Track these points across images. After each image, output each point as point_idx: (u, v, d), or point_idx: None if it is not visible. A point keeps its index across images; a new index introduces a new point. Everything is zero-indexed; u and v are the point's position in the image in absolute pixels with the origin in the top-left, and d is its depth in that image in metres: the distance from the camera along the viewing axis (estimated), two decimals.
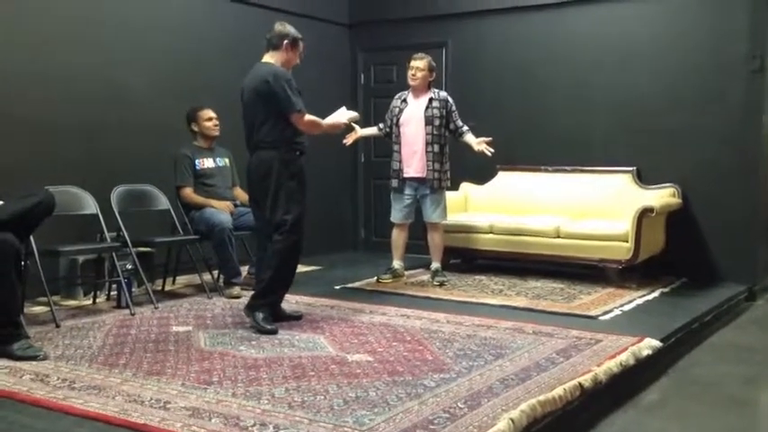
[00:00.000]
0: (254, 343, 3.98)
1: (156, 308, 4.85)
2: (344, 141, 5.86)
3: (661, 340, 4.07)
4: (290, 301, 5.04)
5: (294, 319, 4.54)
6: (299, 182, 4.37)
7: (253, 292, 4.46)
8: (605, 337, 4.09)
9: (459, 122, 5.71)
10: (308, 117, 4.33)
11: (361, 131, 5.90)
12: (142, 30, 5.73)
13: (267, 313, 4.31)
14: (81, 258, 5.10)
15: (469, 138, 5.67)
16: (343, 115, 4.59)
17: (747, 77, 5.75)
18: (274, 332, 4.18)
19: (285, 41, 4.38)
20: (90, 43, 5.41)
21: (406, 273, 5.95)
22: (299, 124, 4.32)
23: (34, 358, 3.64)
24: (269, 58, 4.41)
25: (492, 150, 5.56)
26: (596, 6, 6.35)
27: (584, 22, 6.42)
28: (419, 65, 5.61)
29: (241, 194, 5.54)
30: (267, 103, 4.26)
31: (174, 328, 4.35)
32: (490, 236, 6.10)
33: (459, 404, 3.02)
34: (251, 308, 4.34)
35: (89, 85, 5.39)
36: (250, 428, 2.76)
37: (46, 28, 5.15)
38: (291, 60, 4.45)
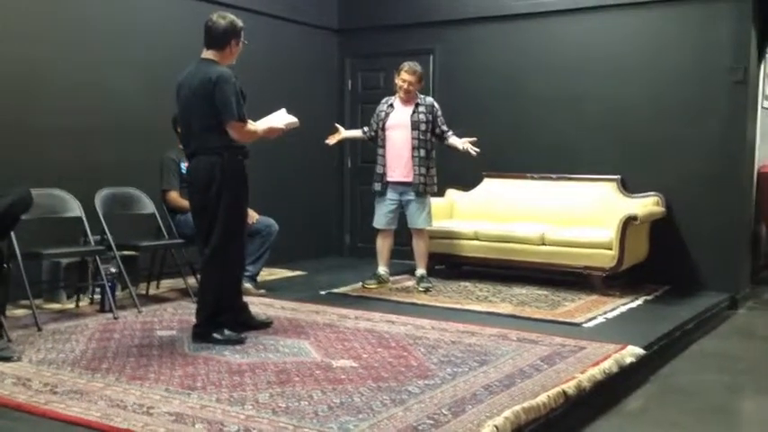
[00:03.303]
0: (238, 348, 3.96)
1: (139, 312, 4.82)
2: (327, 141, 5.86)
3: (644, 348, 4.10)
4: (276, 306, 5.04)
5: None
6: (242, 191, 4.12)
7: (199, 319, 4.14)
8: (589, 344, 4.12)
9: (445, 127, 5.74)
10: (248, 126, 4.02)
11: (344, 133, 5.93)
12: (129, 34, 5.70)
13: (221, 328, 4.07)
14: (64, 261, 5.06)
15: (454, 140, 5.71)
16: (280, 119, 4.20)
17: (731, 88, 5.80)
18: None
19: (233, 40, 4.08)
20: (76, 47, 5.38)
21: (391, 278, 5.95)
22: (236, 132, 3.97)
23: (8, 360, 3.62)
24: (211, 55, 4.09)
25: (477, 150, 5.59)
26: (582, 16, 6.38)
27: (570, 31, 6.46)
28: (412, 79, 5.61)
29: None
30: (208, 105, 3.95)
31: (158, 333, 4.32)
32: (475, 242, 6.11)
33: (443, 410, 3.02)
34: (204, 336, 4.06)
35: (74, 88, 5.36)
36: None
37: (31, 31, 5.11)
38: (234, 55, 4.15)
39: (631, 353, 3.97)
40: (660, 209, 5.94)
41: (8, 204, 3.81)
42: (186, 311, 4.87)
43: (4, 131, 4.94)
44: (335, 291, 5.69)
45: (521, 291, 5.73)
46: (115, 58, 5.60)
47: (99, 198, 5.07)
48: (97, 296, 5.01)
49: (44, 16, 5.19)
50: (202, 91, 3.98)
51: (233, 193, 4.05)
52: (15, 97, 5.03)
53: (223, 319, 4.11)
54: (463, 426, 2.86)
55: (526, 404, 3.05)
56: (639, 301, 5.42)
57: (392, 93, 5.85)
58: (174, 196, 5.34)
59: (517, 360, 3.81)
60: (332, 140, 5.88)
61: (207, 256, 4.12)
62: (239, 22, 4.15)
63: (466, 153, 5.62)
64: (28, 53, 5.09)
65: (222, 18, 4.11)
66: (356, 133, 6.07)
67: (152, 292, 5.50)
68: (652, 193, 6.02)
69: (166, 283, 5.70)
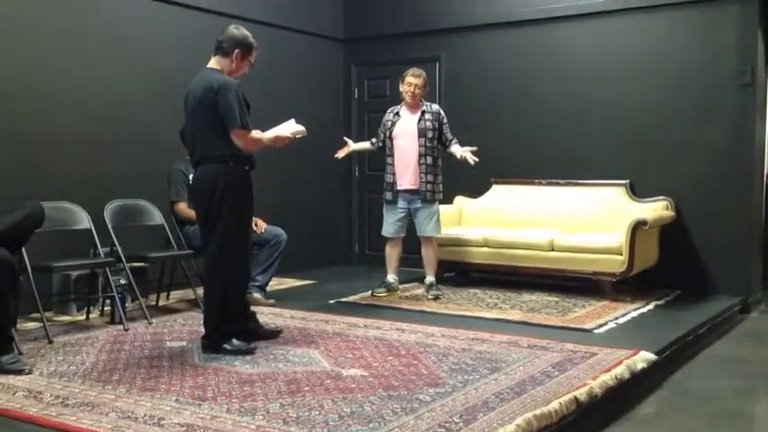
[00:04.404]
0: (248, 358, 3.96)
1: (149, 323, 4.83)
2: (336, 155, 5.86)
3: (656, 353, 4.08)
4: (285, 316, 5.04)
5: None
6: (247, 201, 4.11)
7: (207, 330, 4.14)
8: (600, 350, 4.09)
9: (449, 135, 5.73)
10: (252, 135, 4.00)
11: (353, 146, 5.92)
12: (137, 46, 5.74)
13: (232, 337, 4.05)
14: (74, 274, 5.08)
15: (455, 148, 5.69)
16: (288, 128, 4.20)
17: (739, 91, 5.78)
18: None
19: (237, 50, 4.08)
20: (84, 59, 5.42)
21: (400, 287, 5.94)
22: (239, 140, 3.97)
23: (20, 372, 3.63)
24: (215, 63, 4.11)
25: (476, 159, 5.57)
26: (588, 22, 6.39)
27: (576, 37, 6.46)
28: (418, 82, 5.62)
29: None
30: (211, 114, 3.96)
31: (168, 344, 4.33)
32: (484, 249, 6.10)
33: (454, 418, 3.01)
34: (214, 346, 4.05)
35: (83, 100, 5.40)
36: None
37: (40, 43, 5.16)
38: (240, 69, 4.14)
39: (643, 358, 3.95)
40: (670, 213, 5.92)
41: (21, 218, 3.83)
42: (196, 322, 4.87)
43: (12, 144, 4.96)
44: (345, 300, 5.69)
45: (530, 297, 5.72)
46: (120, 70, 5.62)
47: (108, 210, 5.09)
48: (107, 308, 5.03)
49: (53, 30, 5.22)
50: (205, 99, 3.99)
51: (236, 202, 4.04)
52: (23, 110, 5.05)
53: (230, 328, 4.10)
54: None
55: (538, 411, 3.04)
56: (650, 306, 5.39)
57: (398, 101, 5.86)
58: (183, 207, 5.35)
59: (528, 367, 3.79)
60: (341, 154, 5.87)
61: (206, 265, 4.14)
62: (252, 40, 4.16)
63: (464, 162, 5.59)
64: (34, 65, 5.12)
65: (236, 29, 4.15)
66: (365, 145, 6.07)
67: (162, 303, 5.51)
68: (661, 197, 6.00)
69: (176, 294, 5.71)
